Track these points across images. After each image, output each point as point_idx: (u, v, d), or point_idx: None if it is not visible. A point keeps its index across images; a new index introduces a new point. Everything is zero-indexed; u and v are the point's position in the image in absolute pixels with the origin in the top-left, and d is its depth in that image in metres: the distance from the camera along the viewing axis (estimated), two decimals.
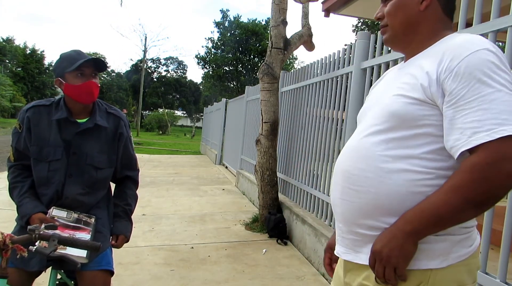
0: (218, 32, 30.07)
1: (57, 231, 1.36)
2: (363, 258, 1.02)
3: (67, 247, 1.41)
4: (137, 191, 1.99)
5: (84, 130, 1.72)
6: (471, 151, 0.87)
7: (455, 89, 0.89)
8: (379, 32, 3.01)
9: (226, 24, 29.87)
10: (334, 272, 1.23)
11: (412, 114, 0.95)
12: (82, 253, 1.53)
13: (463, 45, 0.92)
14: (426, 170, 0.94)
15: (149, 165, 10.07)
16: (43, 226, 1.30)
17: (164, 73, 49.45)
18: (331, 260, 1.27)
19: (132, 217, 1.91)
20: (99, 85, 1.77)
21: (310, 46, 5.07)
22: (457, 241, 0.96)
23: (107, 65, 1.76)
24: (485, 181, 0.84)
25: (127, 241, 1.83)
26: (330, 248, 1.26)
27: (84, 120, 1.75)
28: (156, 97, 45.36)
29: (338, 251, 1.12)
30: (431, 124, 0.94)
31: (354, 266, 1.06)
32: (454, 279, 0.95)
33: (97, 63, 1.71)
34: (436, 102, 0.93)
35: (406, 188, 0.95)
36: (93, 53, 49.84)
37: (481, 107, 0.85)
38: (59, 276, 1.70)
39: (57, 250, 1.26)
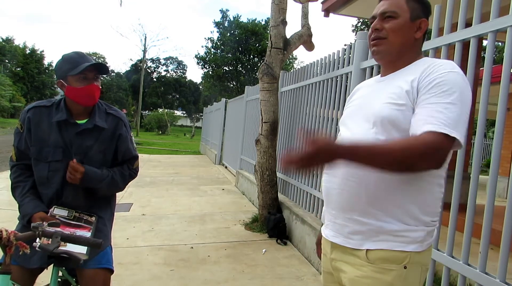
0: (217, 32, 30.11)
1: (59, 229, 1.37)
2: (352, 243, 1.21)
3: (68, 244, 1.42)
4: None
5: (83, 130, 1.74)
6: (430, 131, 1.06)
7: (425, 94, 1.13)
8: None
9: (226, 24, 29.89)
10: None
11: (401, 119, 1.15)
12: (82, 249, 1.54)
13: (440, 66, 1.15)
14: None
15: (149, 165, 10.07)
16: (45, 223, 1.32)
17: (163, 73, 49.50)
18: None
19: (100, 184, 1.74)
20: (100, 87, 1.78)
21: (309, 46, 5.07)
22: (429, 231, 1.19)
23: (109, 69, 1.76)
24: (422, 155, 1.02)
25: (81, 172, 1.65)
26: (321, 242, 1.45)
27: (84, 121, 1.76)
28: (156, 97, 45.34)
29: (327, 234, 1.31)
30: None
31: (341, 246, 1.25)
32: (423, 262, 1.19)
33: (100, 67, 1.73)
34: (415, 106, 1.15)
35: (400, 183, 1.15)
36: (92, 53, 49.83)
37: (438, 110, 1.08)
38: (60, 274, 1.72)
39: (60, 247, 1.28)
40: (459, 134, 1.06)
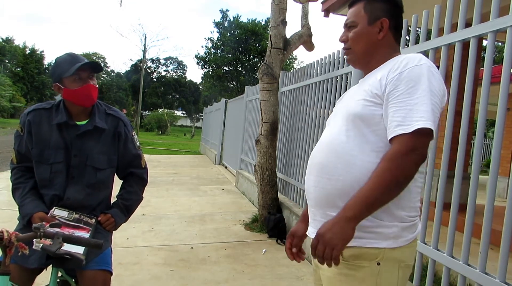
0: (217, 32, 30.11)
1: (60, 230, 1.37)
2: None
3: (65, 244, 1.41)
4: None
5: (84, 132, 1.74)
6: (393, 139, 1.12)
7: (393, 91, 1.15)
8: None
9: (226, 24, 29.89)
10: (293, 256, 1.44)
11: (369, 114, 1.19)
12: (79, 250, 1.52)
13: (405, 61, 1.17)
14: None
15: (149, 165, 9.91)
16: (47, 224, 1.31)
17: (163, 73, 49.50)
18: (291, 245, 1.45)
19: (130, 214, 1.91)
20: (97, 86, 1.79)
21: (309, 46, 5.07)
22: (405, 227, 1.19)
23: (102, 66, 1.77)
24: (399, 168, 1.08)
25: (115, 225, 1.81)
26: (292, 235, 1.46)
27: (84, 122, 1.77)
28: (156, 97, 45.33)
29: (309, 232, 1.34)
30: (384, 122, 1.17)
31: None
32: (400, 258, 1.19)
33: (93, 65, 1.73)
34: (386, 104, 1.17)
35: (368, 176, 1.13)
36: (92, 53, 49.79)
37: (407, 108, 1.11)
38: (59, 274, 1.72)
39: (61, 248, 1.28)
40: (429, 122, 1.09)
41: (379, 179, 1.08)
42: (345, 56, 1.37)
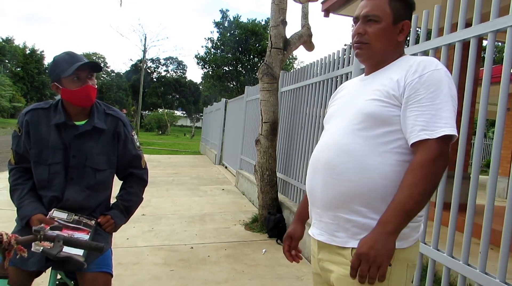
0: (217, 32, 30.12)
1: (60, 233, 1.35)
2: (337, 240, 1.21)
3: (65, 247, 1.40)
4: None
5: (83, 132, 1.72)
6: (417, 144, 1.12)
7: (413, 94, 1.14)
8: None
9: (226, 24, 29.90)
10: (292, 258, 1.45)
11: (385, 115, 1.17)
12: (79, 252, 1.52)
13: (423, 63, 1.18)
14: (396, 162, 1.16)
15: (149, 165, 9.89)
16: (47, 227, 1.30)
17: (163, 73, 49.51)
18: (289, 247, 1.45)
19: (130, 215, 1.90)
20: (96, 86, 1.76)
21: (309, 46, 5.07)
22: (414, 227, 1.20)
23: (102, 66, 1.74)
24: (431, 175, 1.09)
25: (114, 227, 1.80)
26: (290, 237, 1.45)
27: (83, 122, 1.74)
28: (156, 97, 45.32)
29: (313, 232, 1.31)
30: (399, 122, 1.17)
31: (326, 245, 1.25)
32: (409, 258, 1.20)
33: (92, 65, 1.70)
34: (405, 106, 1.17)
35: (381, 178, 1.15)
36: (92, 53, 49.79)
37: (430, 113, 1.12)
38: (58, 276, 1.70)
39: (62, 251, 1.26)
40: (454, 129, 1.11)
41: (413, 188, 1.08)
42: (357, 50, 1.29)
